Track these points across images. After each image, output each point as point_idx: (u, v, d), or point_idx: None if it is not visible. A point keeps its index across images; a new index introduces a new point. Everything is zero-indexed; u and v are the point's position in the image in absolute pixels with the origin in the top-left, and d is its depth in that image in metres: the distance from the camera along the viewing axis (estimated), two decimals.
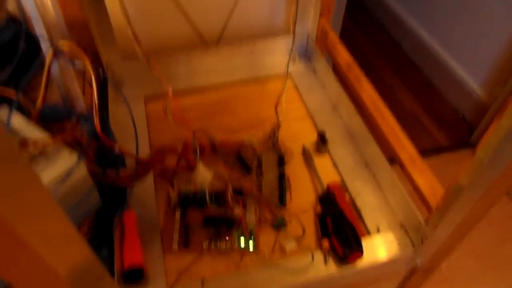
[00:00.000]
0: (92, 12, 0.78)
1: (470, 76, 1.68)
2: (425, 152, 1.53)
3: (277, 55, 0.92)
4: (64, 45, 0.66)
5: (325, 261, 0.58)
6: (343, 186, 0.69)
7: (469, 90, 1.69)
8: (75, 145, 0.61)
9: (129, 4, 0.84)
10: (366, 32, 2.11)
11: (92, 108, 0.60)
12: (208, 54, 0.89)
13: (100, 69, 0.77)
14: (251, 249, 0.60)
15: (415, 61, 1.95)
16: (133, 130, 0.67)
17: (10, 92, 0.67)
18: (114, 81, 0.85)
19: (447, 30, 1.73)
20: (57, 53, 0.66)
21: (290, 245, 0.61)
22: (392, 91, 1.82)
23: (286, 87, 0.76)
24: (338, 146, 0.76)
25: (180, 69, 0.88)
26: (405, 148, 0.66)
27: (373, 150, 0.70)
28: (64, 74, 0.72)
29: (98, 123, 0.60)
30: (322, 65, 0.88)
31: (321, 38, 0.93)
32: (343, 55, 0.86)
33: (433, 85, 1.86)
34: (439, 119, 1.71)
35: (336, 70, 0.89)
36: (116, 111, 0.76)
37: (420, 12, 1.88)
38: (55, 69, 0.70)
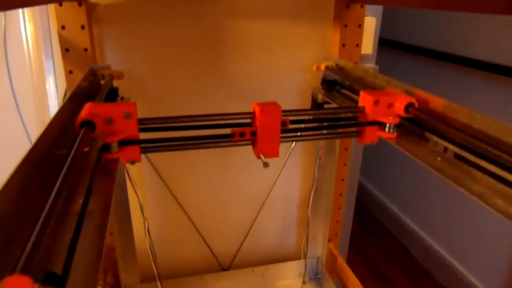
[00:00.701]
0: (119, 238, 0.85)
1: (484, 285, 1.65)
2: None
3: (289, 278, 0.95)
4: None
5: None
6: None
7: None
8: None
9: (153, 230, 0.92)
10: (375, 238, 2.17)
11: None
12: (222, 276, 0.92)
13: None
14: None
15: (426, 267, 1.95)
16: None
17: None
18: None
19: (452, 237, 1.78)
20: None
21: None
22: None
23: None
24: None
25: None
26: None
27: None
28: None
29: None
30: None
31: (330, 261, 0.97)
32: (352, 282, 0.89)
33: None
34: None
35: None
36: None
37: (422, 219, 1.97)
38: None
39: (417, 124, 0.55)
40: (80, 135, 0.40)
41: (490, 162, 0.43)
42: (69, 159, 0.35)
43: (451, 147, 0.49)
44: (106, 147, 0.47)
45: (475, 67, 1.51)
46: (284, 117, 0.54)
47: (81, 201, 0.36)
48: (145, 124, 0.50)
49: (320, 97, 0.78)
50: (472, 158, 0.46)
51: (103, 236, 0.32)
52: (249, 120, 0.55)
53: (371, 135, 0.57)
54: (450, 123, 0.48)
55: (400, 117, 0.55)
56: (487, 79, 1.48)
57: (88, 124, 0.44)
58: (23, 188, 0.31)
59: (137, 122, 0.49)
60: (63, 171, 0.32)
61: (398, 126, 0.56)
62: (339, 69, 0.78)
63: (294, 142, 0.92)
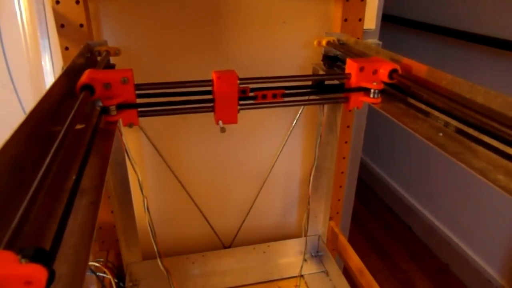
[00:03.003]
0: (120, 216, 0.86)
1: (487, 263, 1.66)
2: None
3: (290, 256, 0.95)
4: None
5: None
6: None
7: (489, 278, 1.64)
8: None
9: (154, 208, 0.92)
10: (377, 215, 2.18)
11: None
12: (223, 254, 0.93)
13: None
14: None
15: (427, 244, 1.96)
16: None
17: None
18: (132, 281, 0.87)
19: (454, 215, 1.79)
20: None
21: None
22: (408, 277, 1.78)
23: None
24: None
25: (196, 270, 0.91)
26: None
27: None
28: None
29: None
30: (333, 269, 0.90)
31: (331, 239, 0.97)
32: (354, 259, 0.89)
33: (450, 270, 1.82)
34: None
35: (347, 271, 0.91)
36: None
37: (425, 196, 1.97)
38: None
39: (400, 90, 0.57)
40: (80, 98, 0.42)
41: (492, 137, 0.42)
42: (68, 121, 0.35)
43: (452, 122, 0.48)
44: (105, 110, 0.50)
45: (481, 42, 1.48)
46: (242, 85, 0.56)
47: (74, 178, 0.35)
48: (142, 89, 0.53)
49: (321, 73, 0.77)
50: (475, 133, 0.45)
51: (96, 213, 0.32)
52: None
53: (356, 100, 0.60)
54: (434, 89, 0.49)
55: (385, 83, 0.57)
56: (493, 54, 1.45)
57: (88, 88, 0.46)
58: (14, 162, 0.31)
59: (134, 87, 0.52)
60: (60, 136, 0.32)
61: (382, 92, 0.58)
62: (340, 45, 0.76)
63: (295, 120, 0.91)
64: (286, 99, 0.60)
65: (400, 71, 0.55)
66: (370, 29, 0.93)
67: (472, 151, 0.43)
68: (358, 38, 0.78)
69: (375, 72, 0.57)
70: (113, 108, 0.51)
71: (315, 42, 0.78)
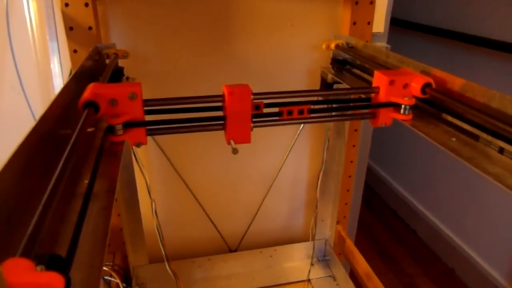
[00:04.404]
0: (127, 220, 0.85)
1: (492, 267, 1.65)
2: None
3: (297, 260, 0.95)
4: None
5: None
6: None
7: (495, 283, 1.63)
8: None
9: (160, 211, 0.92)
10: (383, 220, 2.17)
11: None
12: (229, 258, 0.93)
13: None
14: None
15: (432, 248, 1.95)
16: None
17: None
18: (138, 284, 0.87)
19: (459, 219, 1.77)
20: None
21: None
22: (413, 281, 1.77)
23: None
24: None
25: (202, 274, 0.90)
26: None
27: None
28: None
29: None
30: (341, 273, 0.89)
31: (338, 243, 0.97)
32: (361, 263, 0.88)
33: (455, 275, 1.81)
34: None
35: (353, 275, 0.90)
36: None
37: (430, 201, 1.96)
38: None
39: (433, 105, 0.53)
40: (84, 116, 0.39)
41: (507, 142, 0.42)
42: (72, 139, 0.34)
43: (466, 126, 0.47)
44: (111, 129, 0.46)
45: (487, 46, 1.47)
46: (256, 101, 0.51)
47: (86, 182, 0.35)
48: (151, 105, 0.49)
49: (330, 77, 0.76)
50: (489, 138, 0.44)
51: (108, 217, 0.32)
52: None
53: (386, 116, 0.55)
54: (468, 103, 0.46)
55: (416, 97, 0.53)
56: (501, 59, 1.44)
57: (92, 105, 0.43)
58: (25, 168, 0.31)
59: (142, 103, 0.47)
60: (66, 152, 0.31)
61: (413, 108, 0.53)
62: (349, 48, 0.75)
63: (303, 124, 0.91)
64: (311, 115, 0.55)
65: (433, 85, 0.51)
66: (378, 32, 0.92)
67: (486, 156, 0.43)
68: (367, 42, 0.78)
69: (405, 86, 0.52)
70: (119, 127, 0.46)
71: (323, 46, 0.77)
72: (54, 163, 0.30)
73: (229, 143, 0.52)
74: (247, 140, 0.52)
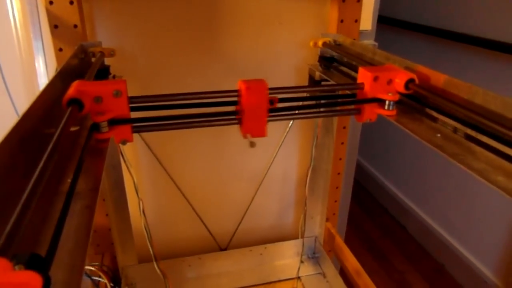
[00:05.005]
0: (115, 219, 0.85)
1: (482, 263, 1.67)
2: None
3: (287, 258, 0.95)
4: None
5: None
6: None
7: (484, 278, 1.65)
8: None
9: (150, 210, 0.92)
10: (373, 216, 2.18)
11: None
12: (219, 256, 0.92)
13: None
14: None
15: (423, 245, 1.97)
16: None
17: None
18: (127, 285, 0.86)
19: (449, 216, 1.79)
20: None
21: None
22: (404, 278, 1.78)
23: None
24: None
25: (192, 273, 0.90)
26: None
27: None
28: None
29: None
30: (331, 270, 0.90)
31: (328, 240, 0.97)
32: (350, 260, 0.89)
33: (445, 271, 1.83)
34: None
35: (343, 272, 0.90)
36: None
37: (420, 197, 1.97)
38: None
39: (417, 101, 0.53)
40: (67, 114, 0.39)
41: (491, 137, 0.42)
42: (55, 137, 0.33)
43: (451, 122, 0.48)
44: (96, 127, 0.46)
45: (474, 44, 1.49)
46: (271, 95, 0.52)
47: (69, 181, 0.34)
48: (136, 102, 0.49)
49: (317, 74, 0.76)
50: (473, 133, 0.44)
51: (91, 216, 0.31)
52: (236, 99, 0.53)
53: (370, 112, 0.55)
54: (452, 99, 0.47)
55: (400, 93, 0.53)
56: (488, 56, 1.45)
57: (76, 103, 0.42)
58: (5, 167, 0.30)
59: (127, 100, 0.47)
60: (48, 150, 0.31)
61: (397, 103, 0.54)
62: (337, 45, 0.76)
63: (292, 121, 0.91)
64: (299, 111, 0.56)
65: (417, 81, 0.52)
66: (366, 30, 0.93)
67: (471, 152, 0.43)
68: (354, 39, 0.78)
69: (389, 82, 0.53)
70: (104, 124, 0.46)
71: (311, 43, 0.77)
72: (36, 162, 0.30)
73: (245, 137, 0.53)
74: (263, 133, 0.53)
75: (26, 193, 0.25)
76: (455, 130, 0.47)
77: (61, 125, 0.35)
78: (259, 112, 0.52)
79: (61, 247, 0.27)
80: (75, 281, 0.25)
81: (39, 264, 0.22)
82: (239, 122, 0.53)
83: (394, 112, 0.54)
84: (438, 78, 0.51)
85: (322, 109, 0.62)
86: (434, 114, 0.50)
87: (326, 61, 0.75)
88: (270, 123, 0.53)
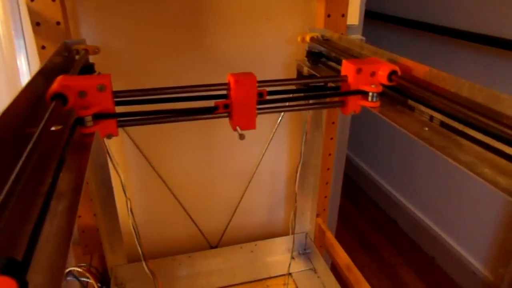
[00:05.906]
0: (103, 219, 0.84)
1: (471, 255, 1.68)
2: None
3: (277, 254, 0.95)
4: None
5: None
6: None
7: (473, 269, 1.66)
8: None
9: (138, 209, 0.91)
10: (364, 211, 2.19)
11: None
12: (210, 254, 0.92)
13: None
14: None
15: (413, 238, 1.98)
16: None
17: None
18: (117, 285, 0.85)
19: (438, 209, 1.81)
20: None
21: None
22: (395, 271, 1.79)
23: None
24: None
25: (182, 272, 0.89)
26: None
27: None
28: None
29: None
30: (322, 266, 0.90)
31: (319, 236, 0.97)
32: (341, 255, 0.89)
33: (435, 263, 1.84)
34: None
35: (335, 268, 0.91)
36: None
37: (410, 191, 1.99)
38: None
39: (400, 92, 0.54)
40: (50, 109, 0.38)
41: (478, 131, 0.42)
42: (36, 135, 0.32)
43: (437, 116, 0.48)
44: (80, 121, 0.45)
45: (461, 38, 1.49)
46: (260, 88, 0.52)
47: (50, 180, 0.34)
48: (121, 96, 0.49)
49: (305, 70, 0.76)
50: (460, 127, 0.44)
51: (73, 218, 0.31)
52: (225, 92, 0.54)
53: (354, 104, 0.56)
54: (435, 91, 0.47)
55: (383, 85, 0.54)
56: (475, 50, 1.46)
57: (60, 97, 0.42)
58: None
59: (112, 95, 0.47)
60: (28, 148, 0.30)
61: (381, 95, 0.55)
62: (324, 40, 0.75)
63: (281, 117, 0.90)
64: (288, 103, 0.57)
65: (399, 73, 0.52)
66: (353, 24, 0.92)
67: (458, 145, 0.43)
68: (342, 34, 0.78)
69: (373, 74, 0.54)
70: (89, 118, 0.46)
71: (298, 38, 0.77)
72: (16, 161, 0.29)
73: (235, 130, 0.53)
74: (252, 126, 0.54)
75: (3, 195, 0.25)
76: (442, 124, 0.47)
77: (43, 121, 0.35)
78: (248, 104, 0.52)
79: (40, 250, 0.26)
80: (55, 285, 0.24)
81: (15, 268, 0.21)
82: (229, 115, 0.54)
83: (377, 104, 0.54)
84: (421, 70, 0.51)
85: (307, 102, 0.62)
86: (417, 105, 0.51)
87: (314, 56, 0.75)
88: (259, 118, 0.53)
